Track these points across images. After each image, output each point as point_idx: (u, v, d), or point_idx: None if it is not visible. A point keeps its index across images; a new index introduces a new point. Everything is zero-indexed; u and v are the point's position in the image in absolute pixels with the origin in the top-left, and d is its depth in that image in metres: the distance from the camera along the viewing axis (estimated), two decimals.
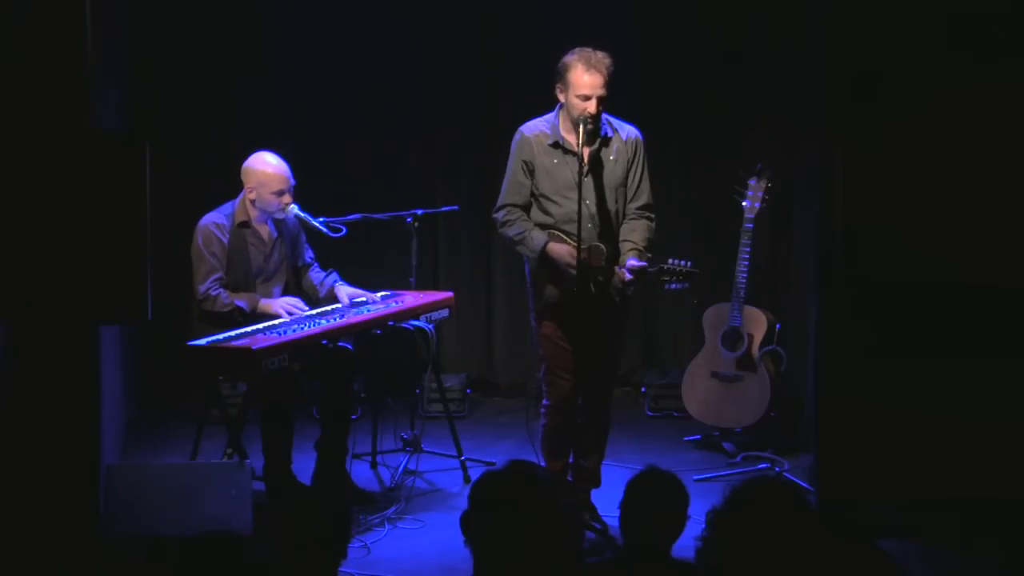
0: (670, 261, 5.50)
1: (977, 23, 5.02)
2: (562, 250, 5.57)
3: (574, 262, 5.52)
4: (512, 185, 5.70)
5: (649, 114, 7.52)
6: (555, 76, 5.58)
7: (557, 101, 5.62)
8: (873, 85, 5.10)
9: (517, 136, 5.71)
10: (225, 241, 5.99)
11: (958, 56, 5.03)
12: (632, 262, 5.49)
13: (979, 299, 5.16)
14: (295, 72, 7.89)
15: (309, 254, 6.40)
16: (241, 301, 5.96)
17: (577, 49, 5.54)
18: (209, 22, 7.66)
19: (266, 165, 6.03)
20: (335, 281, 6.34)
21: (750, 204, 6.77)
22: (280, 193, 6.02)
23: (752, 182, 6.79)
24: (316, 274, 6.37)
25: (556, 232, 5.63)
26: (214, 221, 6.01)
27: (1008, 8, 5.04)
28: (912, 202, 5.13)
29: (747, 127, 7.74)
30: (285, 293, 6.19)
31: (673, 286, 5.55)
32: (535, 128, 5.67)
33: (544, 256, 5.59)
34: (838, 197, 5.13)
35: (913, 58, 5.03)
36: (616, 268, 5.54)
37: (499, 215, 5.73)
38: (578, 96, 5.48)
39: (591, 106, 5.47)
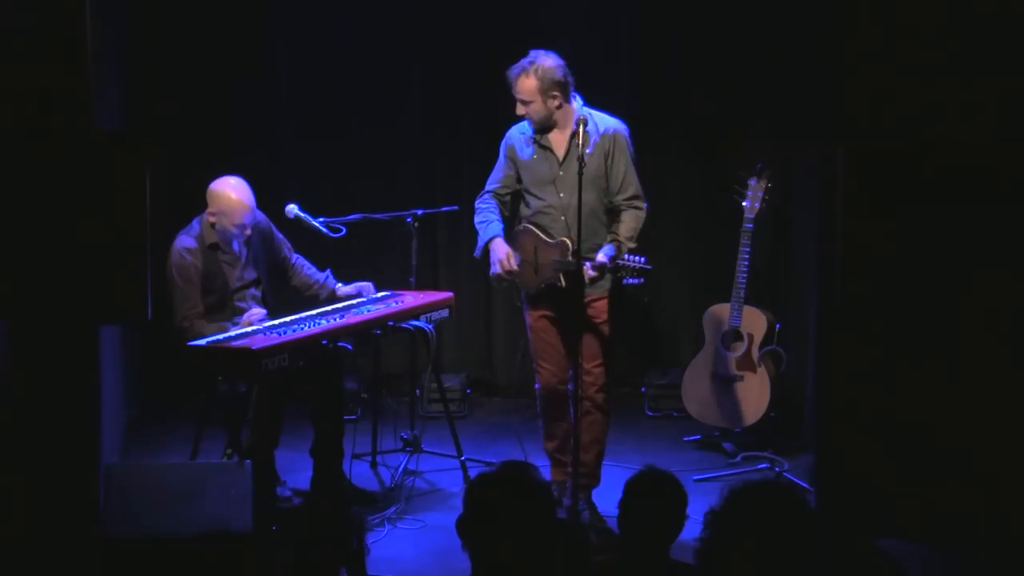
0: (626, 257, 5.68)
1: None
2: (499, 252, 5.87)
3: (500, 269, 5.84)
4: (494, 173, 6.06)
5: (649, 114, 7.54)
6: None
7: None
8: (873, 84, 5.09)
9: (506, 133, 6.05)
10: (199, 266, 5.96)
11: (957, 53, 5.03)
12: (598, 258, 5.70)
13: (981, 298, 5.15)
14: (295, 72, 7.89)
15: (295, 255, 6.38)
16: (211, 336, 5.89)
17: None
18: (209, 22, 7.67)
19: (230, 198, 5.95)
20: (334, 284, 6.36)
21: (750, 204, 6.76)
22: (242, 227, 5.98)
23: (752, 182, 6.78)
24: (313, 273, 6.36)
25: (528, 226, 5.91)
26: (185, 247, 5.95)
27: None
28: (913, 201, 5.12)
29: (747, 127, 7.75)
30: (264, 298, 6.17)
31: (630, 281, 5.71)
32: (519, 126, 5.97)
33: (487, 251, 5.92)
34: (838, 197, 5.12)
35: (913, 56, 5.02)
36: (586, 265, 5.71)
37: (476, 202, 6.08)
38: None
39: (518, 106, 5.83)
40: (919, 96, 5.02)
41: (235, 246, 6.06)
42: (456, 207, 7.10)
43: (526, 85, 5.76)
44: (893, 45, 5.03)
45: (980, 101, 5.00)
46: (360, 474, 6.48)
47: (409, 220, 6.67)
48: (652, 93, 7.73)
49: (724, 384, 6.89)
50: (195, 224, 6.04)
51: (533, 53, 5.80)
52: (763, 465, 6.62)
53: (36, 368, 4.76)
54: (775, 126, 7.60)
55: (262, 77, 7.85)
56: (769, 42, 7.54)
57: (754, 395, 6.84)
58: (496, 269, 5.86)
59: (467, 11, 7.89)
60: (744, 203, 6.77)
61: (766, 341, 6.86)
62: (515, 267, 5.83)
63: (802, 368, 7.05)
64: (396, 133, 8.00)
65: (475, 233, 7.92)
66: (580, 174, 5.54)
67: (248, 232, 6.02)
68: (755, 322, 6.85)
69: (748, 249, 6.72)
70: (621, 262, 5.66)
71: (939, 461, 5.21)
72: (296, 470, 6.35)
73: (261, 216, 6.17)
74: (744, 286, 6.74)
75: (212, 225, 5.99)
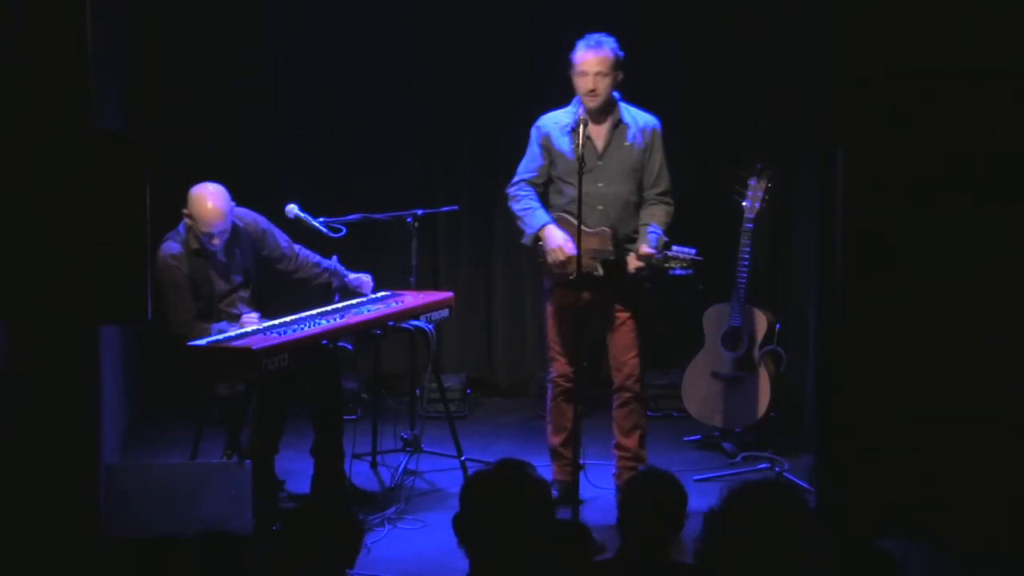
0: (675, 248, 5.80)
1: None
2: (557, 238, 5.84)
3: (561, 256, 5.81)
4: (528, 162, 6.06)
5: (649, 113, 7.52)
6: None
7: (564, 98, 5.98)
8: (873, 84, 5.09)
9: (536, 122, 6.05)
10: (186, 271, 5.93)
11: (961, 55, 5.03)
12: (643, 248, 5.79)
13: (981, 297, 5.16)
14: (295, 72, 7.89)
15: (297, 246, 6.36)
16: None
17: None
18: (210, 22, 7.67)
19: (204, 205, 5.88)
20: (345, 271, 6.36)
21: (750, 204, 6.76)
22: (209, 236, 5.92)
23: (752, 182, 6.78)
24: (320, 261, 6.34)
25: (563, 214, 5.91)
26: (171, 253, 5.91)
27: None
28: (913, 201, 5.12)
29: (747, 127, 7.74)
30: (253, 300, 6.15)
31: (677, 272, 5.81)
32: (553, 115, 6.02)
33: (539, 237, 5.89)
34: (838, 197, 5.13)
35: (913, 56, 5.02)
36: (630, 255, 5.81)
37: (511, 190, 6.08)
38: (576, 73, 5.85)
39: (587, 82, 5.82)
40: (919, 96, 5.03)
41: (220, 256, 6.03)
42: (456, 207, 7.10)
43: (605, 56, 5.82)
44: (893, 45, 5.03)
45: (980, 101, 5.01)
46: (360, 474, 6.47)
47: (409, 220, 6.68)
48: (652, 92, 7.71)
49: (724, 384, 6.89)
50: (181, 229, 6.00)
51: (589, 35, 5.89)
52: (763, 465, 6.62)
53: (36, 368, 4.77)
54: (775, 126, 7.60)
55: (262, 77, 7.85)
56: (770, 42, 7.52)
57: (754, 395, 6.84)
58: (559, 256, 5.83)
59: (467, 11, 7.88)
60: (744, 203, 6.77)
61: (766, 341, 6.86)
62: (574, 252, 5.73)
63: (802, 368, 7.04)
64: (396, 133, 7.99)
65: (478, 232, 7.95)
66: (580, 173, 5.56)
67: (216, 242, 5.94)
68: (755, 322, 6.85)
69: (748, 249, 6.72)
70: (671, 253, 5.76)
71: (939, 461, 5.21)
72: (296, 471, 6.35)
73: (251, 216, 6.15)
74: (744, 286, 6.74)
75: (189, 228, 5.96)
